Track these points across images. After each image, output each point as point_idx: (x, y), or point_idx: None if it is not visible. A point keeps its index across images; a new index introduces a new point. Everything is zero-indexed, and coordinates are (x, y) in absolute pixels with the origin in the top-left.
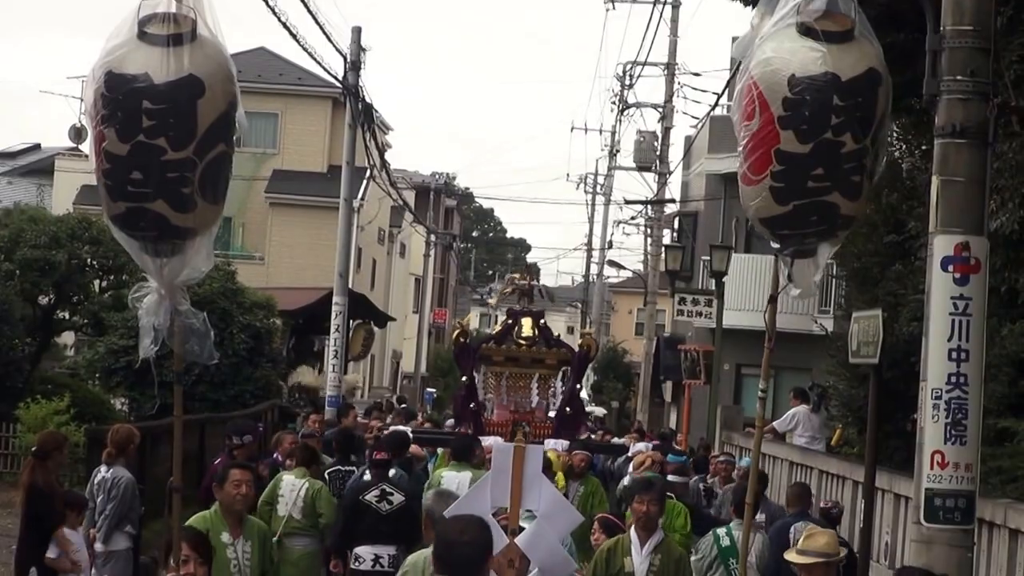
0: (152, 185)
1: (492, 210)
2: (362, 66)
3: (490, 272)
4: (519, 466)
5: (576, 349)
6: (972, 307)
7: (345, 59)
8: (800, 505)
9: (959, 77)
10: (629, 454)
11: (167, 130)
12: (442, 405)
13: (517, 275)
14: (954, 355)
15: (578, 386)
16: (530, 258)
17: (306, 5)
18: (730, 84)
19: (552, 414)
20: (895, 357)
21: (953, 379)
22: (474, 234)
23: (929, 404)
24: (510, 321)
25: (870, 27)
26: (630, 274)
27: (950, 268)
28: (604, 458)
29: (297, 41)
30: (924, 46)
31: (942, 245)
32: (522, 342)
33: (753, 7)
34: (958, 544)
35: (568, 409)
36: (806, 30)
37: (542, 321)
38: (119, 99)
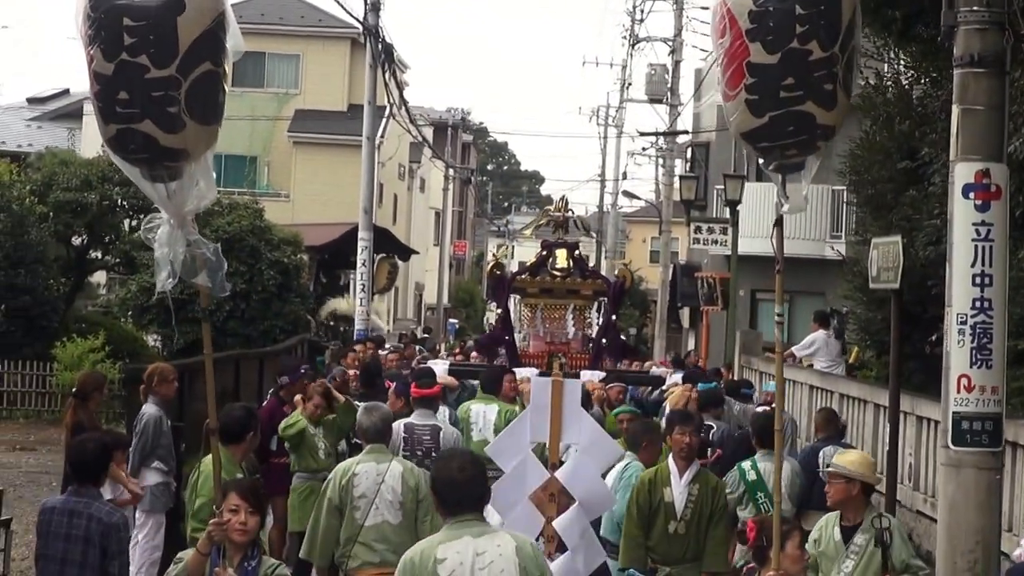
0: (138, 105)
1: (507, 144)
2: (381, 7)
3: (506, 204)
4: (558, 400)
5: (612, 281)
6: (994, 232)
7: (365, 3)
8: (828, 430)
9: (975, 8)
10: (664, 388)
11: (148, 47)
12: (464, 335)
13: (551, 207)
14: (978, 280)
15: (613, 315)
16: (544, 190)
17: None
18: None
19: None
20: (912, 281)
21: (978, 304)
22: (489, 167)
23: (954, 329)
24: (544, 252)
25: None
26: (643, 204)
27: (971, 195)
28: (642, 389)
29: None
30: None
31: (963, 173)
32: (557, 273)
33: None
34: (986, 466)
35: (604, 340)
36: None
37: (577, 252)
38: (102, 17)
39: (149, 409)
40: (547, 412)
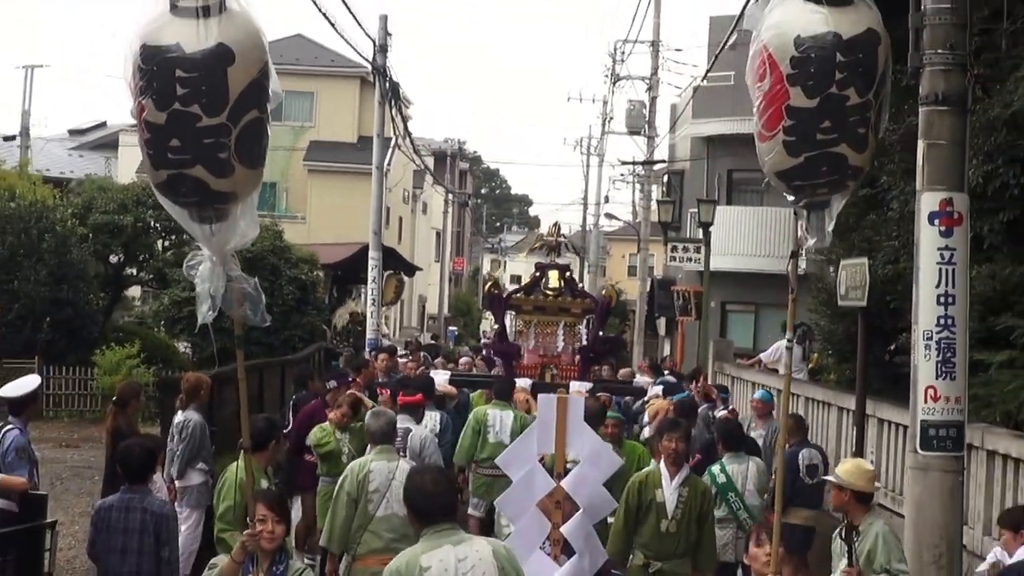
0: (190, 151)
1: (498, 170)
2: (389, 48)
3: (498, 224)
4: (563, 416)
5: (599, 300)
6: (956, 256)
7: (374, 43)
8: (798, 435)
9: (940, 51)
10: (645, 399)
11: (200, 97)
12: (462, 341)
13: (545, 232)
14: (942, 300)
15: (600, 331)
16: (532, 211)
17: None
18: (715, 59)
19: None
20: (872, 297)
21: (942, 321)
22: (483, 191)
23: (921, 344)
24: (538, 273)
25: None
26: (623, 224)
27: (936, 222)
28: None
29: (335, 29)
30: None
31: (929, 201)
32: (549, 292)
33: None
34: (950, 469)
35: (592, 354)
36: None
37: (568, 273)
38: (154, 70)
39: (194, 416)
40: (552, 426)
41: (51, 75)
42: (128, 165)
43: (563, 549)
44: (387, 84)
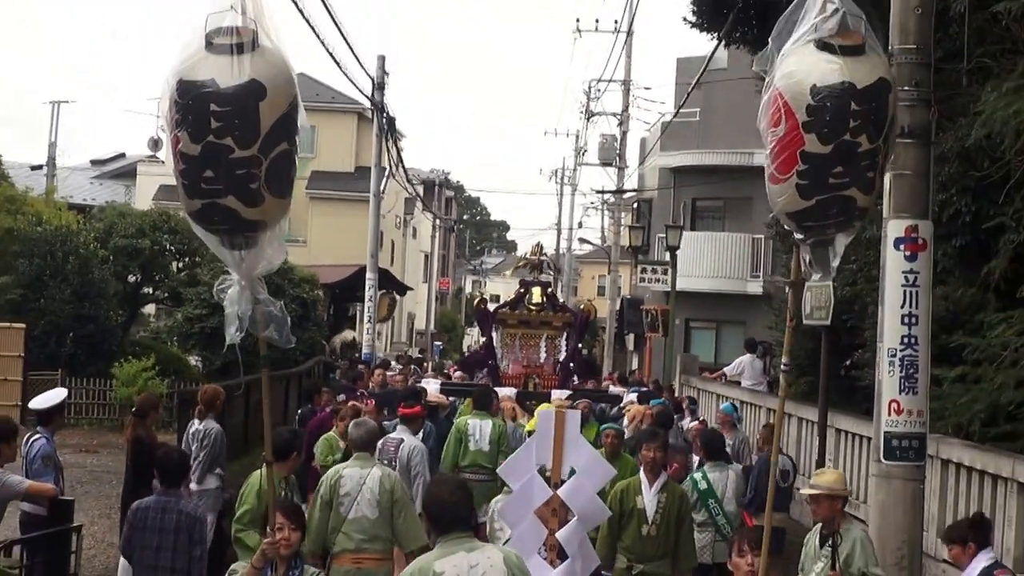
0: (223, 182)
1: (479, 198)
2: (386, 86)
3: (479, 248)
4: (560, 429)
5: (578, 314)
6: (920, 279)
7: (373, 81)
8: (771, 443)
9: (906, 88)
10: (621, 404)
11: (233, 130)
12: (447, 355)
13: (529, 252)
14: (906, 320)
15: (579, 344)
16: (510, 236)
17: (349, 45)
18: (687, 97)
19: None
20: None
21: (906, 340)
22: (465, 217)
23: (886, 361)
24: (522, 290)
25: (878, 42)
26: (593, 247)
27: (902, 247)
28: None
29: (340, 69)
30: None
31: (895, 228)
32: (532, 308)
33: (707, 32)
34: (912, 478)
35: (571, 364)
36: (823, 45)
37: (549, 290)
38: (189, 104)
39: (214, 425)
40: (551, 439)
41: (73, 109)
42: (145, 193)
43: (558, 554)
44: (384, 118)
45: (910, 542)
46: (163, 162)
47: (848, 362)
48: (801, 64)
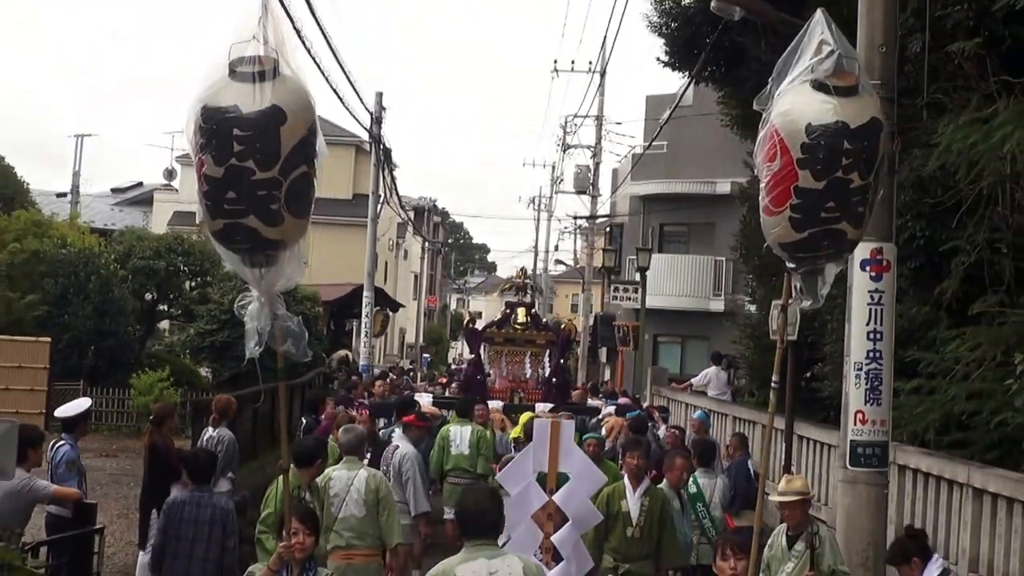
0: (244, 202)
1: (463, 224)
2: (383, 121)
3: (462, 268)
4: (555, 438)
5: (560, 332)
6: (885, 298)
7: (371, 116)
8: (743, 448)
9: None
10: (600, 416)
11: (255, 153)
12: (435, 366)
13: (515, 275)
14: (871, 336)
15: (561, 360)
16: (490, 258)
17: (351, 83)
18: (658, 132)
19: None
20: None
21: (871, 354)
22: (449, 241)
23: (852, 375)
24: (508, 310)
25: (870, 83)
26: (566, 268)
27: (867, 268)
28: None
29: (344, 106)
30: None
31: (861, 251)
32: (518, 327)
33: (678, 71)
34: (876, 483)
35: (554, 379)
36: (819, 85)
37: (533, 310)
38: (213, 128)
39: (227, 433)
40: (546, 447)
41: (96, 141)
42: (161, 218)
43: (553, 556)
44: (381, 150)
45: (874, 544)
46: (177, 191)
47: (808, 374)
48: (797, 103)
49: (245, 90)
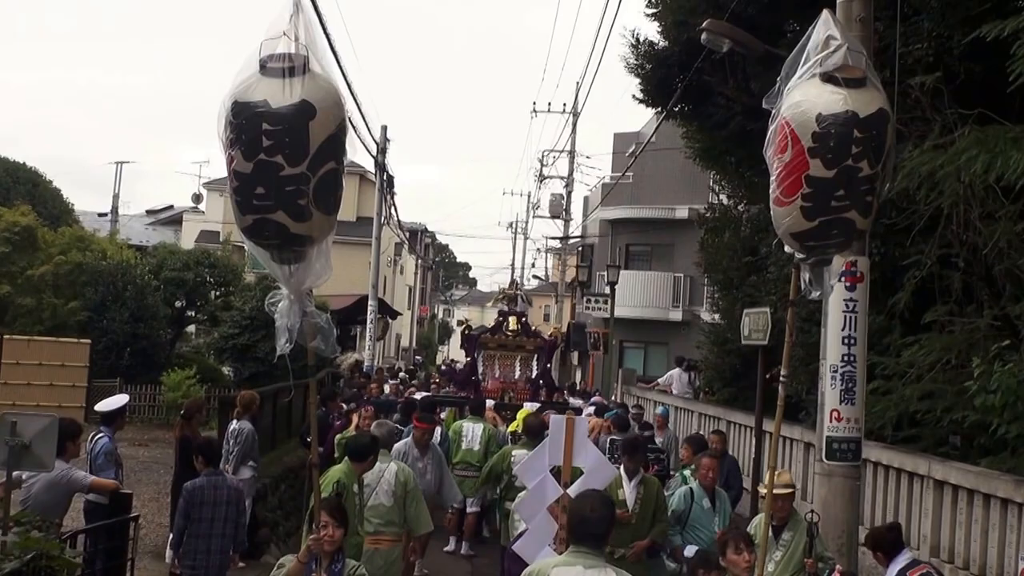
0: (273, 198)
1: (448, 244)
2: (387, 151)
3: (447, 283)
4: (570, 433)
5: (547, 338)
6: (858, 307)
7: (377, 146)
8: (724, 445)
9: None
10: (583, 416)
11: (284, 148)
12: (425, 367)
13: (507, 287)
14: (846, 341)
15: (548, 364)
16: (472, 274)
17: (362, 115)
18: (631, 164)
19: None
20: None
21: (846, 358)
22: (437, 259)
23: (828, 376)
24: (501, 319)
25: (876, 76)
26: (540, 283)
27: (843, 279)
28: None
29: (357, 134)
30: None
31: (837, 263)
32: (509, 333)
33: (652, 107)
34: (850, 476)
35: (541, 381)
36: (828, 78)
37: (523, 319)
38: (243, 123)
39: (246, 425)
40: (562, 442)
41: (133, 169)
42: (189, 236)
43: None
44: (385, 177)
45: (848, 533)
46: (204, 212)
47: (768, 376)
48: (807, 95)
49: (275, 85)
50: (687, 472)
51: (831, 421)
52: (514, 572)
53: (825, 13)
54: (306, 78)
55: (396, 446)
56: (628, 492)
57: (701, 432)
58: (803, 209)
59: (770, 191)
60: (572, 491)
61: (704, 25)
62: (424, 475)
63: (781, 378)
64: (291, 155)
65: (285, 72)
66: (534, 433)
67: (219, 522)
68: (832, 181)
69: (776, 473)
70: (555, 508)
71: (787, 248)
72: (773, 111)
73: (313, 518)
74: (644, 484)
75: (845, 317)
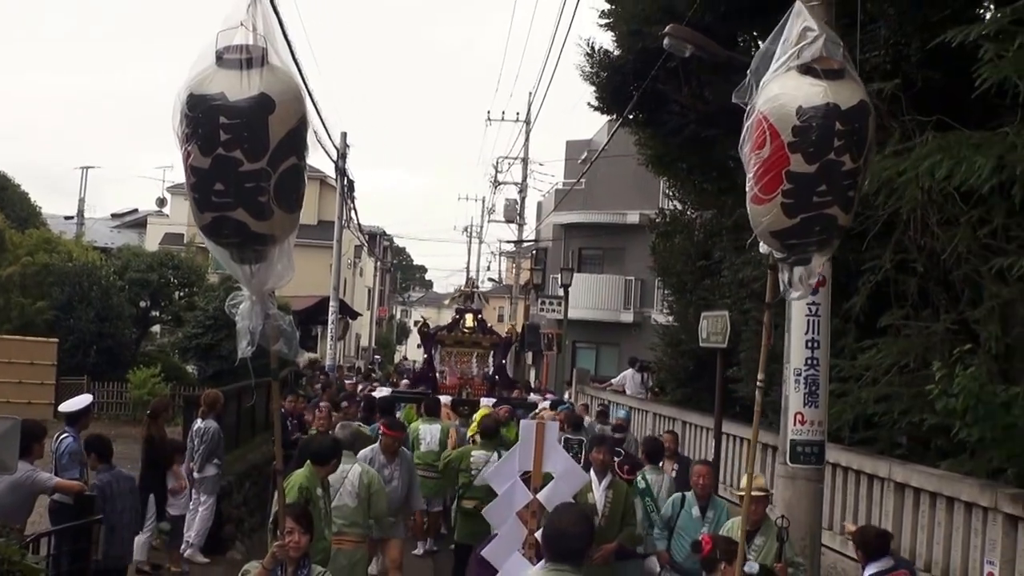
0: (232, 195)
1: (405, 248)
2: (347, 156)
3: (404, 285)
4: (540, 439)
5: (503, 335)
6: (821, 310)
7: (338, 152)
8: (676, 444)
9: None
10: (536, 410)
11: (243, 143)
12: (384, 366)
13: (463, 286)
14: (809, 344)
15: (503, 361)
16: (428, 276)
17: (322, 120)
18: (586, 170)
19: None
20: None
21: (809, 361)
22: (394, 262)
23: (792, 379)
24: (458, 316)
25: (854, 68)
26: (494, 285)
27: None
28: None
29: (318, 139)
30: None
31: (815, 262)
32: (466, 331)
33: (607, 114)
34: (813, 479)
35: (497, 377)
36: (806, 70)
37: (480, 316)
38: (199, 117)
39: (212, 424)
40: (531, 448)
41: (98, 174)
42: (154, 238)
43: (536, 552)
44: (345, 182)
45: (812, 535)
46: (168, 216)
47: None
48: (785, 88)
49: (232, 77)
50: (648, 474)
51: (795, 424)
52: None
53: (798, 4)
54: (264, 70)
55: (362, 452)
56: (598, 496)
57: (658, 432)
58: (784, 206)
59: (747, 189)
60: (542, 496)
61: (667, 30)
62: (391, 481)
63: (758, 383)
64: (250, 150)
65: (243, 64)
66: (490, 434)
67: (127, 512)
68: (814, 176)
69: (752, 477)
70: (524, 513)
71: (763, 248)
72: (748, 107)
73: (278, 524)
74: (613, 488)
75: (808, 321)
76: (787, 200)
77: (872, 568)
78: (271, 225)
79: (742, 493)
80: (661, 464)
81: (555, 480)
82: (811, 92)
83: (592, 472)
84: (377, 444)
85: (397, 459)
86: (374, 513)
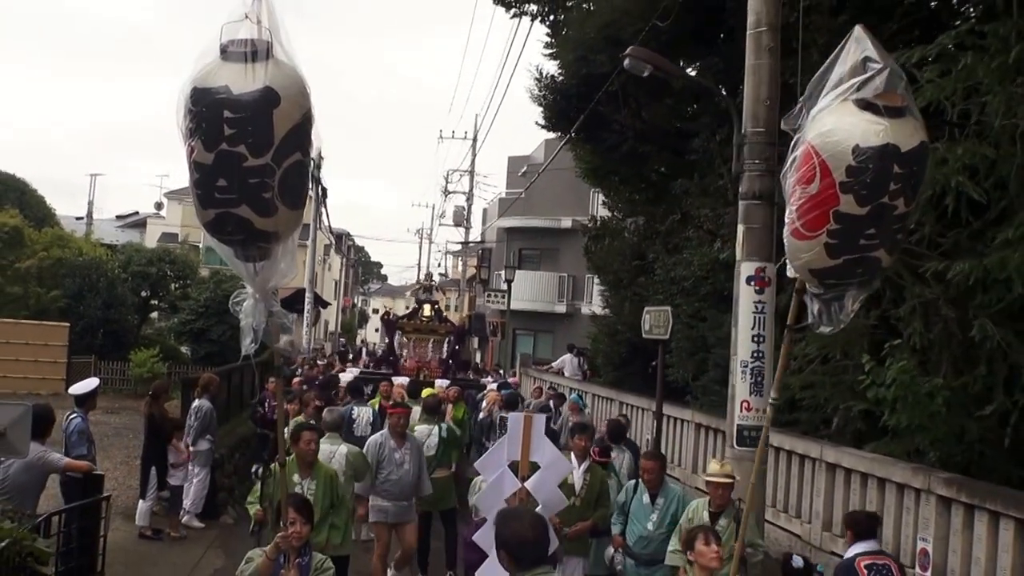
0: (236, 191)
1: (364, 247)
2: (322, 164)
3: (363, 279)
4: (528, 430)
5: (457, 324)
6: (766, 308)
7: (313, 162)
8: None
9: (756, 161)
10: (484, 391)
11: (247, 138)
12: (348, 350)
13: (423, 279)
14: (755, 339)
15: (456, 346)
16: (384, 271)
17: None
18: (532, 181)
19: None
20: (639, 330)
21: (755, 354)
22: (356, 258)
23: (739, 370)
24: (416, 306)
25: (916, 104)
26: (444, 280)
27: (752, 283)
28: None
29: None
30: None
31: (747, 268)
32: (424, 319)
33: (554, 132)
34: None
35: (451, 361)
36: (866, 105)
37: (436, 306)
38: (203, 111)
39: (205, 403)
40: (519, 439)
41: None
42: (152, 237)
43: None
44: (320, 188)
45: (756, 515)
46: (164, 217)
47: (652, 363)
48: (841, 123)
49: (237, 70)
50: (612, 452)
51: (741, 411)
52: (471, 560)
53: (858, 29)
54: (269, 64)
55: (372, 438)
56: (577, 477)
57: (615, 414)
58: (828, 246)
59: (787, 219)
60: (530, 484)
61: (628, 52)
62: (402, 465)
63: (771, 400)
64: (254, 145)
65: (247, 57)
66: (430, 410)
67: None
68: (864, 219)
69: (720, 463)
70: (512, 501)
71: (791, 272)
72: (797, 136)
73: (280, 515)
74: (591, 472)
75: (755, 318)
76: (832, 240)
77: (858, 548)
78: (275, 222)
79: (709, 478)
80: (622, 444)
81: (542, 469)
82: (869, 130)
83: (572, 457)
84: (385, 429)
85: (407, 443)
86: (351, 486)
